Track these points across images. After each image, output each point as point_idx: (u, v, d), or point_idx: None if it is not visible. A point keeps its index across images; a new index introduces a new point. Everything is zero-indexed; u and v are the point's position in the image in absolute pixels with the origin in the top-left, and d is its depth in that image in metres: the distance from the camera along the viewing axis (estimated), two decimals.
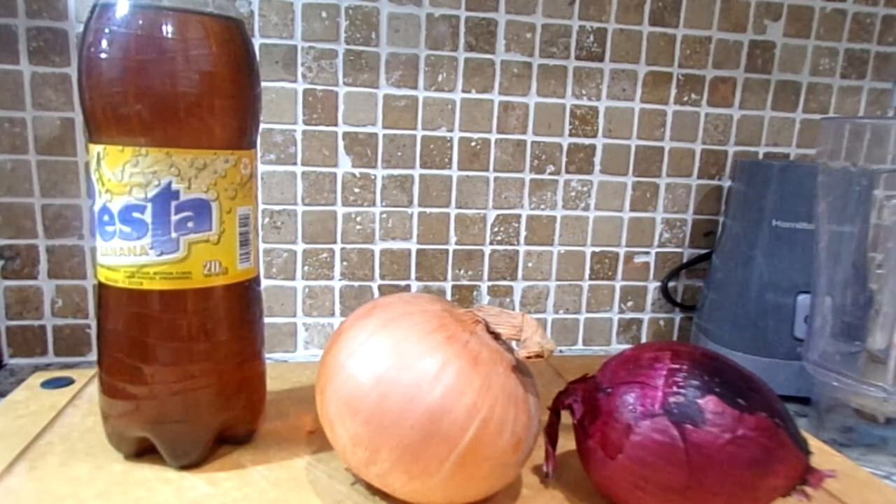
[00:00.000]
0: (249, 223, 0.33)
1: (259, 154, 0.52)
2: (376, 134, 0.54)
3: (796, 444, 0.27)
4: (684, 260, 0.62)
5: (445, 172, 0.56)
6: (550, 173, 0.58)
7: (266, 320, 0.55)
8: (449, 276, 0.58)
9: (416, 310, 0.30)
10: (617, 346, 0.63)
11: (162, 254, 0.30)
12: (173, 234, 0.30)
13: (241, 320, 0.33)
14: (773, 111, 0.60)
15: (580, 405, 0.31)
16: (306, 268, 0.55)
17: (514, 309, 0.59)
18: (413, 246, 0.57)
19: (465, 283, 0.58)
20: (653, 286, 0.62)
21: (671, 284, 0.62)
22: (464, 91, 0.55)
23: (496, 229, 0.58)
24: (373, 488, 0.31)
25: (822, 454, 0.39)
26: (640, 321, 0.63)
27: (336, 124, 0.53)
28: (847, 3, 0.59)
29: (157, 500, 0.30)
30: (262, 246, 0.54)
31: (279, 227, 0.54)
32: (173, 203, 0.30)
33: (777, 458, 0.27)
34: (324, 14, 0.51)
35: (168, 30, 0.28)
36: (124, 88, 0.28)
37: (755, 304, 0.51)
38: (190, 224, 0.30)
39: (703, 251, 0.62)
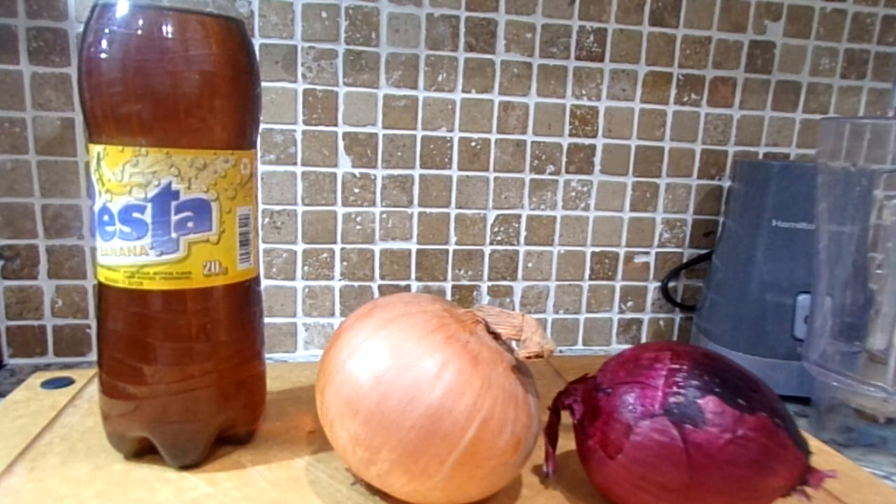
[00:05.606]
0: (249, 223, 0.33)
1: (259, 154, 0.52)
2: (376, 134, 0.54)
3: (796, 445, 0.27)
4: (684, 260, 0.62)
5: (445, 172, 0.56)
6: (550, 173, 0.58)
7: (266, 320, 0.55)
8: (449, 276, 0.58)
9: (416, 310, 0.30)
10: (617, 346, 0.63)
11: (162, 254, 0.30)
12: (173, 234, 0.30)
13: (241, 320, 0.33)
14: (773, 111, 0.60)
15: (580, 405, 0.31)
16: (306, 268, 0.55)
17: (514, 309, 0.59)
18: (413, 246, 0.57)
19: (465, 283, 0.58)
20: (653, 286, 0.62)
21: (671, 284, 0.62)
22: (464, 91, 0.55)
23: (496, 229, 0.58)
24: (373, 488, 0.31)
25: (822, 454, 0.39)
26: (640, 321, 0.63)
27: (336, 124, 0.53)
28: (847, 3, 0.59)
29: (157, 500, 0.30)
30: (262, 246, 0.54)
31: (279, 227, 0.54)
32: (173, 203, 0.30)
33: (777, 459, 0.27)
34: (324, 14, 0.51)
35: (168, 30, 0.28)
36: (124, 88, 0.28)
37: (755, 304, 0.51)
38: (190, 224, 0.30)
39: (703, 251, 0.62)
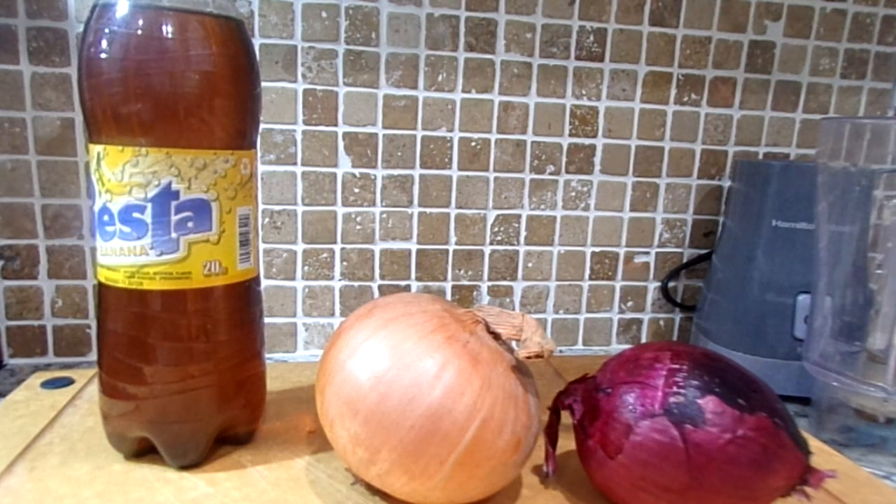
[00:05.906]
0: (249, 223, 0.33)
1: (259, 154, 0.52)
2: (376, 134, 0.54)
3: (796, 445, 0.27)
4: (684, 260, 0.62)
5: (445, 172, 0.56)
6: (550, 173, 0.58)
7: (266, 320, 0.55)
8: (449, 276, 0.58)
9: (416, 310, 0.30)
10: (617, 346, 0.63)
11: (162, 254, 0.30)
12: (173, 234, 0.30)
13: (241, 320, 0.33)
14: (773, 111, 0.60)
15: (580, 405, 0.31)
16: (306, 268, 0.55)
17: (514, 309, 0.59)
18: (413, 246, 0.57)
19: (465, 283, 0.58)
20: (653, 286, 0.62)
21: (671, 284, 0.62)
22: (464, 91, 0.55)
23: (496, 229, 0.58)
24: (373, 488, 0.31)
25: (822, 454, 0.39)
26: (640, 321, 0.63)
27: (336, 124, 0.53)
28: (847, 3, 0.59)
29: (157, 500, 0.30)
30: (262, 246, 0.54)
31: (279, 227, 0.54)
32: (173, 203, 0.30)
33: (777, 459, 0.27)
34: (324, 14, 0.51)
35: (168, 30, 0.28)
36: (124, 88, 0.28)
37: (755, 304, 0.51)
38: (190, 224, 0.30)
39: (703, 251, 0.62)
